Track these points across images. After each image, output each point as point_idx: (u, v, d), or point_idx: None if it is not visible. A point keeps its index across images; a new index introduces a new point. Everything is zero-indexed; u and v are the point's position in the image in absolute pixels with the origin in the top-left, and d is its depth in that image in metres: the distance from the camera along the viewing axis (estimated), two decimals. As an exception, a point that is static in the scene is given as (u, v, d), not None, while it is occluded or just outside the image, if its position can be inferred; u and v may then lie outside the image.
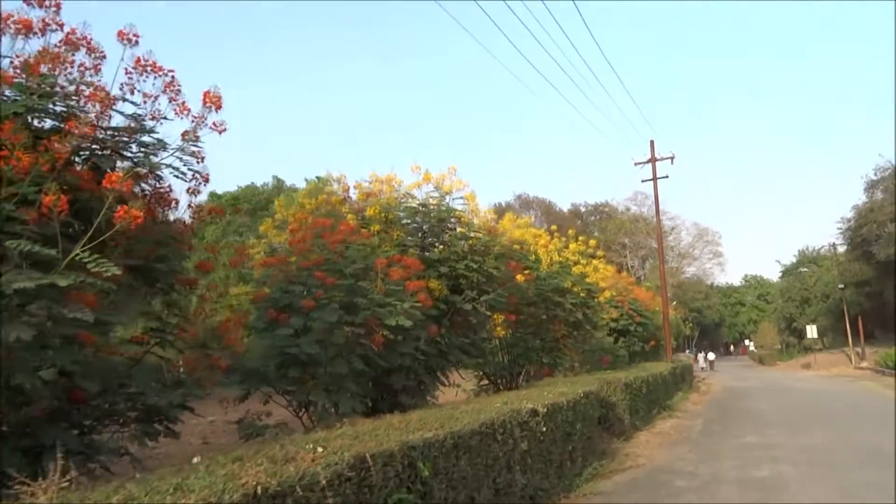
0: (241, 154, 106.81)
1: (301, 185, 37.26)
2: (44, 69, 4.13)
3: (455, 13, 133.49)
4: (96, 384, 3.97)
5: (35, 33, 4.18)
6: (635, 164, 26.13)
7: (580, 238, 14.51)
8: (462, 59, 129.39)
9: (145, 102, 4.51)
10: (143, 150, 4.49)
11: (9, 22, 4.09)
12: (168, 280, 4.77)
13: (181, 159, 4.68)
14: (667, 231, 61.49)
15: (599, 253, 15.80)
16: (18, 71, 4.12)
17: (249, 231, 25.78)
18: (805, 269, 60.29)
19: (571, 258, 13.39)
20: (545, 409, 6.49)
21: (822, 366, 40.45)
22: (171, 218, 4.98)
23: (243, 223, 30.45)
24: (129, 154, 4.47)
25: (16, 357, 3.38)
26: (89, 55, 4.35)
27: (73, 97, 4.26)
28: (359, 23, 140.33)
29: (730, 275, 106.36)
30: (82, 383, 3.88)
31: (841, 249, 48.32)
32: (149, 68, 4.45)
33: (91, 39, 4.33)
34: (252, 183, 43.85)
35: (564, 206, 67.43)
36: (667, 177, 30.78)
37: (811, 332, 45.53)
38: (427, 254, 8.70)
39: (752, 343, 78.40)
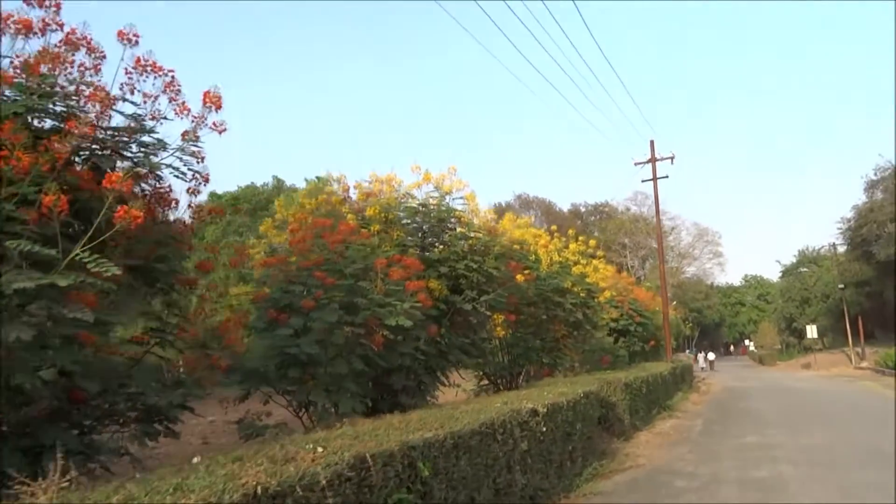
0: (241, 154, 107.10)
1: (301, 185, 37.28)
2: (44, 69, 4.14)
3: (455, 13, 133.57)
4: (96, 384, 3.97)
5: (35, 33, 4.19)
6: (635, 164, 26.16)
7: (580, 238, 14.50)
8: (462, 59, 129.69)
9: (145, 102, 4.52)
10: (143, 150, 4.50)
11: (9, 22, 4.09)
12: (168, 280, 4.78)
13: (181, 159, 4.69)
14: (667, 231, 61.51)
15: (599, 253, 15.80)
16: (18, 71, 4.12)
17: (249, 231, 25.81)
18: (805, 269, 60.29)
19: (571, 258, 13.38)
20: (545, 409, 6.49)
21: (822, 366, 40.46)
22: (171, 218, 4.99)
23: (243, 223, 30.49)
24: (129, 154, 4.48)
25: (16, 357, 3.38)
26: (89, 55, 4.35)
27: (73, 97, 4.27)
28: (359, 23, 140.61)
29: (730, 275, 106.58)
30: (82, 383, 3.89)
31: (841, 249, 48.39)
32: (149, 68, 4.46)
33: (91, 39, 4.34)
34: (252, 183, 43.89)
35: (564, 206, 67.58)
36: (667, 177, 30.82)
37: (811, 332, 45.54)
38: (427, 254, 8.70)
39: (752, 343, 78.38)
